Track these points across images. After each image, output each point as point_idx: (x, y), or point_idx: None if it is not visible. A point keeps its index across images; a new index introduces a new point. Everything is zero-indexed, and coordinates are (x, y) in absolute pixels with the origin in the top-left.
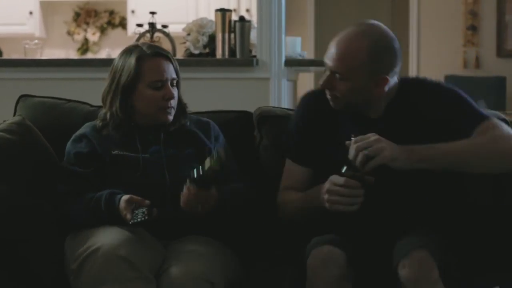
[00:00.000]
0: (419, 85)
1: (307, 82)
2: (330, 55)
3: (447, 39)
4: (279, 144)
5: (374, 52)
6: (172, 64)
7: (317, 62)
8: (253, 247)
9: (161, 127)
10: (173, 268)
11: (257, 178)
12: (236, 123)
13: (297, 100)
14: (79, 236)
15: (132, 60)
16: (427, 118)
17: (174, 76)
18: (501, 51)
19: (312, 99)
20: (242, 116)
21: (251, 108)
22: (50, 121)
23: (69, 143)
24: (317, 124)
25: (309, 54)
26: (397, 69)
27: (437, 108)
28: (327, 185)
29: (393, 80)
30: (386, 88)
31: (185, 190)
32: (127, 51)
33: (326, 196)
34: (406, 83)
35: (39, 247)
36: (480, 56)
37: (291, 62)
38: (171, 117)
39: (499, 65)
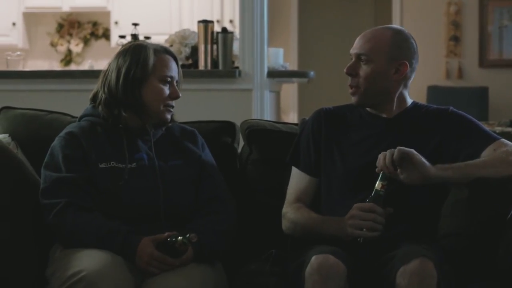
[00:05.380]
0: (430, 107)
1: (290, 93)
2: (356, 44)
3: (429, 50)
4: (289, 155)
5: (396, 40)
6: (177, 65)
7: (299, 73)
8: (235, 259)
9: (149, 134)
10: (154, 283)
11: (239, 189)
12: (218, 133)
13: (281, 112)
14: (64, 253)
15: (149, 53)
16: (436, 135)
17: (178, 77)
18: (483, 62)
19: (322, 113)
20: (225, 126)
21: (234, 120)
22: (30, 132)
23: (55, 144)
24: (326, 134)
25: (292, 65)
26: (415, 63)
27: (448, 127)
28: (352, 211)
29: (412, 74)
30: (405, 80)
31: (159, 254)
32: (139, 46)
33: (350, 221)
34: (418, 103)
35: (18, 272)
36: (463, 66)
37: (273, 74)
38: (170, 117)
39: (482, 75)
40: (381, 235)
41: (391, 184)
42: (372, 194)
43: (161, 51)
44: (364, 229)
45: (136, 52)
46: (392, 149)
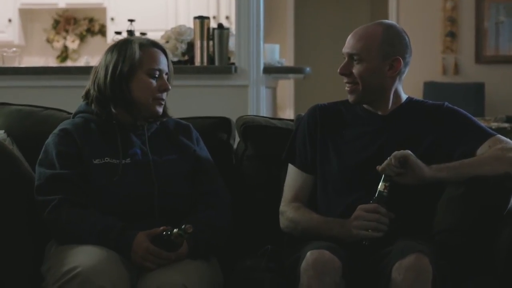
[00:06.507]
0: (425, 102)
1: (286, 89)
2: (347, 43)
3: (426, 46)
4: (284, 152)
5: (387, 36)
6: (167, 58)
7: (295, 69)
8: (230, 255)
9: (143, 128)
10: (150, 279)
11: (234, 185)
12: (214, 129)
13: (277, 109)
14: (59, 249)
15: (135, 47)
16: (432, 131)
17: (167, 70)
18: (479, 58)
19: (317, 109)
20: (220, 122)
21: (230, 116)
22: (26, 128)
23: (49, 141)
24: (322, 130)
25: (289, 61)
26: (408, 57)
27: (443, 123)
28: (356, 213)
29: (405, 68)
30: (399, 75)
31: (154, 248)
32: (125, 42)
33: (355, 223)
34: (413, 99)
35: (14, 269)
36: (459, 62)
37: (269, 70)
38: (161, 110)
39: (478, 71)
40: (385, 235)
41: (393, 185)
42: (376, 195)
43: (148, 45)
44: (369, 230)
45: (123, 48)
46: (396, 152)
